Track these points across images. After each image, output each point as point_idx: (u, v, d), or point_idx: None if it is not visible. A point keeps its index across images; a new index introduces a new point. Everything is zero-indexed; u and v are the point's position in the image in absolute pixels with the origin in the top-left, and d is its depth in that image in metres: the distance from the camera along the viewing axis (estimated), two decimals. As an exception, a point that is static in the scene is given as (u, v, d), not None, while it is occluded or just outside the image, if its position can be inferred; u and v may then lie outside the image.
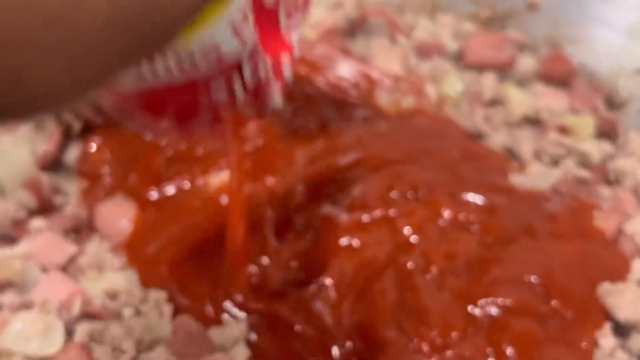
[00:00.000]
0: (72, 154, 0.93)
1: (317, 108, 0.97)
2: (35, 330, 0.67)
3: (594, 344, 0.74)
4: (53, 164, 0.92)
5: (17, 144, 0.89)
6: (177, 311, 0.74)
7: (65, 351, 0.67)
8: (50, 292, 0.73)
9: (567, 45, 1.09)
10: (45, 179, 0.87)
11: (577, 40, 1.09)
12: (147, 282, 0.77)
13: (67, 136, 0.94)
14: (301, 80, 0.99)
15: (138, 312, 0.74)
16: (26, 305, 0.72)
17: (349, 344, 0.72)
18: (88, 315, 0.72)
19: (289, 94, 0.99)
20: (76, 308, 0.72)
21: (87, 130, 0.95)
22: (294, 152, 0.92)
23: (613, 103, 1.05)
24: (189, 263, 0.79)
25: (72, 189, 0.90)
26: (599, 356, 0.73)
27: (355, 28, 1.13)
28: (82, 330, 0.69)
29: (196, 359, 0.67)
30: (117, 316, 0.73)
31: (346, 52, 1.08)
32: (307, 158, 0.92)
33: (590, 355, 0.73)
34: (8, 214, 0.82)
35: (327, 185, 0.88)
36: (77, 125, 0.95)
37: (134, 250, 0.81)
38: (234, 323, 0.73)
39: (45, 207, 0.86)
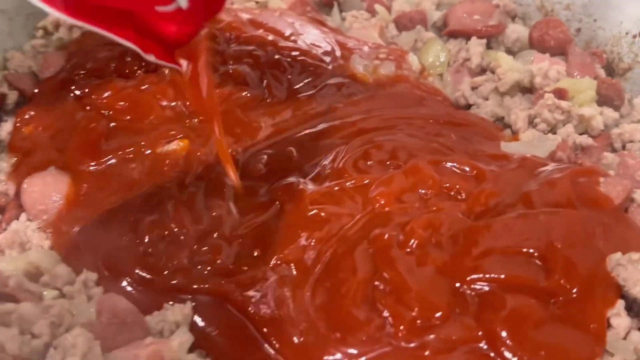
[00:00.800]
0: (6, 128, 0.82)
1: (286, 75, 0.87)
2: None
3: (606, 324, 0.61)
4: (-16, 139, 0.81)
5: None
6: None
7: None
8: (-43, 272, 0.62)
9: (561, 11, 1.00)
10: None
11: (571, 4, 0.99)
12: (70, 261, 0.66)
13: (0, 109, 0.84)
14: (267, 45, 0.89)
15: (62, 295, 0.62)
16: None
17: (311, 325, 0.60)
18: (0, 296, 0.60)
19: (255, 60, 0.90)
20: (-14, 289, 0.61)
21: (23, 103, 0.85)
22: (258, 120, 0.81)
23: (614, 70, 0.95)
24: (120, 238, 0.67)
25: (4, 166, 0.80)
26: (612, 338, 0.61)
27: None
28: (-13, 312, 0.58)
29: (122, 345, 0.55)
30: (36, 298, 0.61)
31: (318, 22, 0.98)
32: (272, 126, 0.81)
33: (601, 338, 0.60)
34: None
35: (294, 155, 0.77)
36: (12, 97, 0.85)
37: (60, 228, 0.70)
38: (177, 306, 0.61)
39: (-31, 184, 0.75)
